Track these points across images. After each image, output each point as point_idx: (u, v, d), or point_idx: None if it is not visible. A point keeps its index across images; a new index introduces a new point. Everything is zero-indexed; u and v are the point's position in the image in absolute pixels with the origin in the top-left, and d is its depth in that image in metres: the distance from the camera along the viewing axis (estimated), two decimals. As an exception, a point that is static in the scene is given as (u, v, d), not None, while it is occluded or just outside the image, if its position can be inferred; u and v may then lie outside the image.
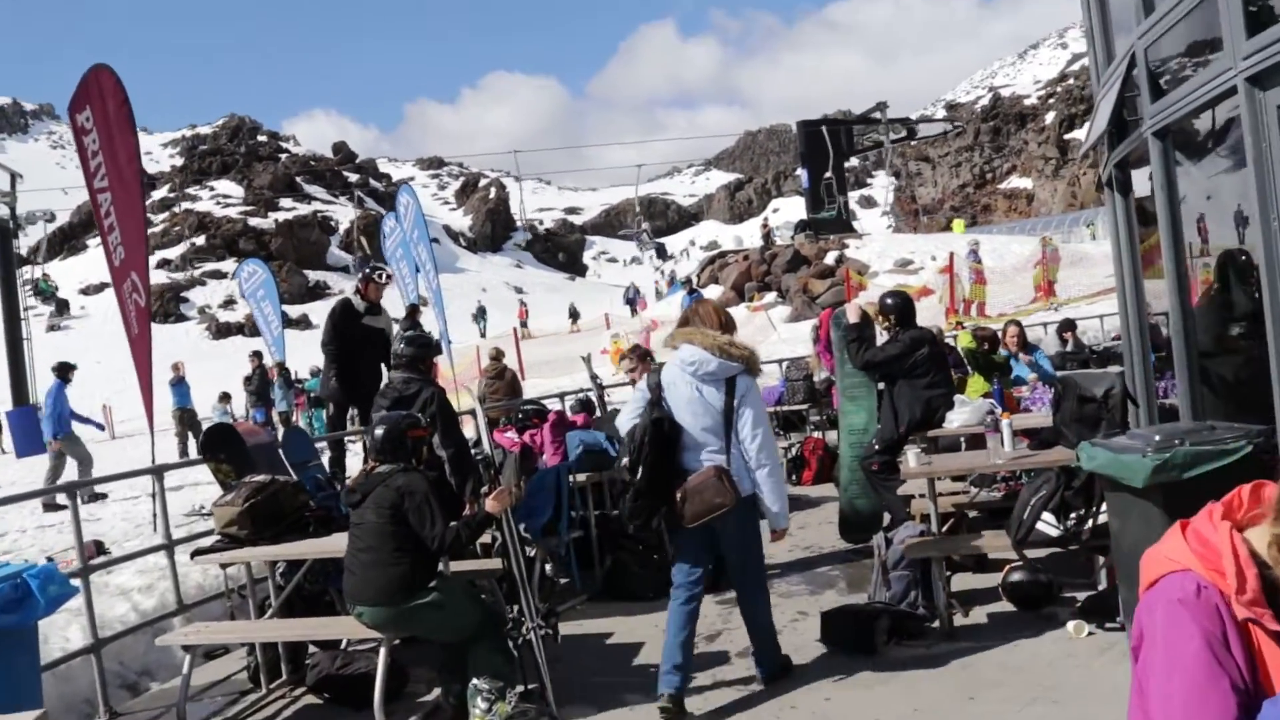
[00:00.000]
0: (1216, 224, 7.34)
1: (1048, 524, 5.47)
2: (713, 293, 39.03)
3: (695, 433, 5.17)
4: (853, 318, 8.41)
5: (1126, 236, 6.90)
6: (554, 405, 12.66)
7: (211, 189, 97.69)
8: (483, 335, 42.69)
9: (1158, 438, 4.59)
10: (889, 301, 8.49)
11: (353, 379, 9.66)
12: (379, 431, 5.21)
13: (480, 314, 52.52)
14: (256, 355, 22.98)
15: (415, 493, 4.97)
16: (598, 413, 11.67)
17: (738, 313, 34.88)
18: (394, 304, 19.79)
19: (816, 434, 13.37)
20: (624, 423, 5.36)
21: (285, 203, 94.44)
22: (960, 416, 8.02)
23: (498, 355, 15.67)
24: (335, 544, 5.68)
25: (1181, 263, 5.73)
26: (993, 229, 65.78)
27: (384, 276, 9.78)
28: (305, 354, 38.83)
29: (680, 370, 5.26)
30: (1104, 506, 5.37)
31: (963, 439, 9.29)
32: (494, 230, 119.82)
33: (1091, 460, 4.79)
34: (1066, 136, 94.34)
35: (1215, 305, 6.74)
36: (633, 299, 46.90)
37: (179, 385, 21.68)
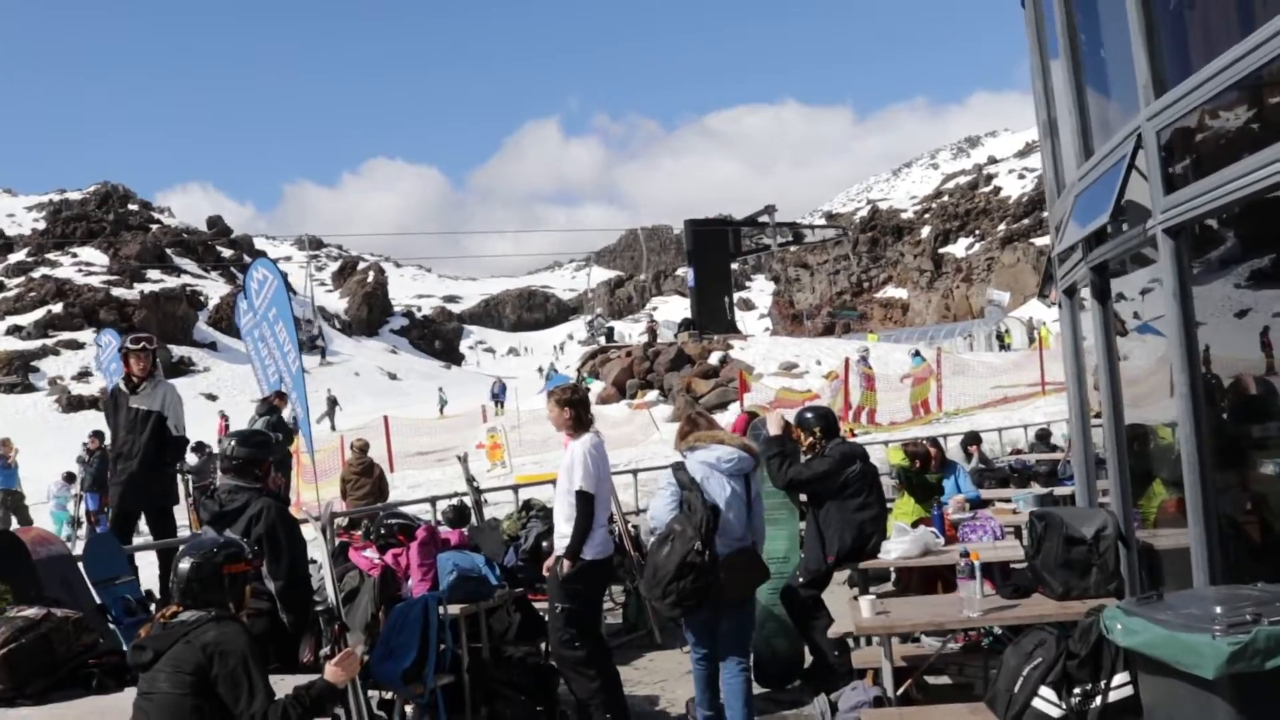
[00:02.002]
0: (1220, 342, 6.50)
1: (1046, 700, 4.35)
2: (594, 388, 37.91)
3: (730, 520, 5.93)
4: (774, 429, 7.31)
5: (1105, 349, 5.96)
6: (423, 511, 11.27)
7: (74, 255, 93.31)
8: (333, 429, 40.02)
9: (1219, 610, 3.53)
10: (809, 416, 7.44)
11: (125, 477, 8.22)
12: (183, 565, 3.84)
13: (331, 406, 48.13)
14: (97, 435, 20.82)
15: (229, 654, 3.61)
16: (473, 520, 10.34)
17: (619, 410, 33.91)
18: (254, 389, 18.11)
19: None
20: (663, 511, 5.99)
21: (153, 274, 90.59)
22: (899, 546, 6.96)
23: (363, 447, 14.19)
24: (126, 705, 4.24)
25: (1197, 383, 4.76)
26: (861, 336, 66.24)
27: (143, 344, 8.51)
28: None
29: (713, 467, 6.00)
30: (1117, 679, 4.31)
31: (893, 571, 8.24)
32: (370, 314, 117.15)
33: (1131, 635, 3.71)
34: (941, 250, 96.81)
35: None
36: (499, 394, 44.92)
37: (6, 465, 19.54)
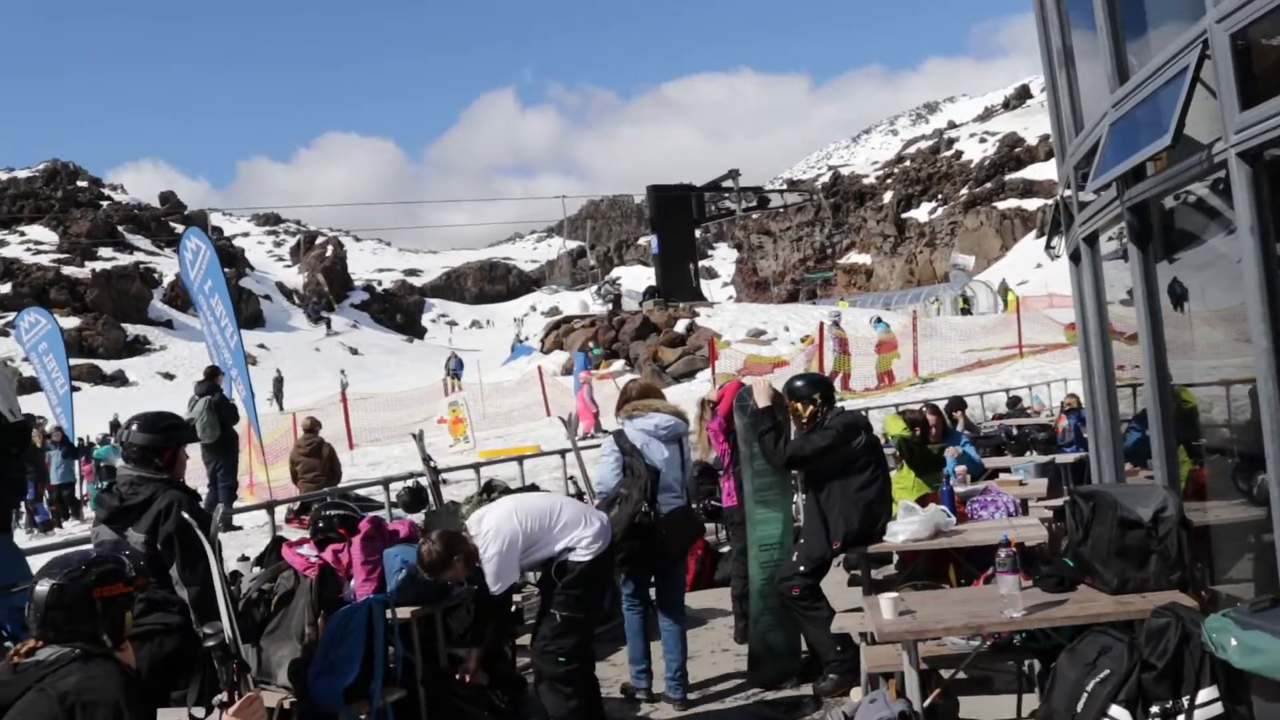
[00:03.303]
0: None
1: (1117, 723, 3.60)
2: (558, 358, 37.08)
3: (669, 482, 6.37)
4: (762, 400, 6.51)
5: (1146, 301, 5.19)
6: (376, 493, 10.44)
7: (22, 234, 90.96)
8: (280, 409, 38.36)
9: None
10: (800, 384, 6.60)
11: None
12: (41, 589, 2.98)
13: (278, 386, 45.80)
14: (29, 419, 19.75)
15: (96, 705, 2.76)
16: (431, 504, 9.51)
17: (583, 380, 33.02)
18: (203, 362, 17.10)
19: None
20: (609, 476, 6.39)
21: (105, 252, 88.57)
22: (907, 528, 6.21)
23: (312, 426, 13.30)
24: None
25: (1280, 332, 3.99)
26: (829, 302, 65.64)
27: None
28: (126, 413, 34.92)
29: (650, 434, 6.42)
30: (1203, 695, 3.57)
31: (895, 555, 7.48)
32: (330, 289, 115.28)
33: (1253, 654, 2.95)
34: (904, 215, 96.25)
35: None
36: (455, 369, 43.39)
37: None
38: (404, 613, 5.47)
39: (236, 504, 13.57)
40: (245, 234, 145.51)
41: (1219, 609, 4.70)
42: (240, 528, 12.44)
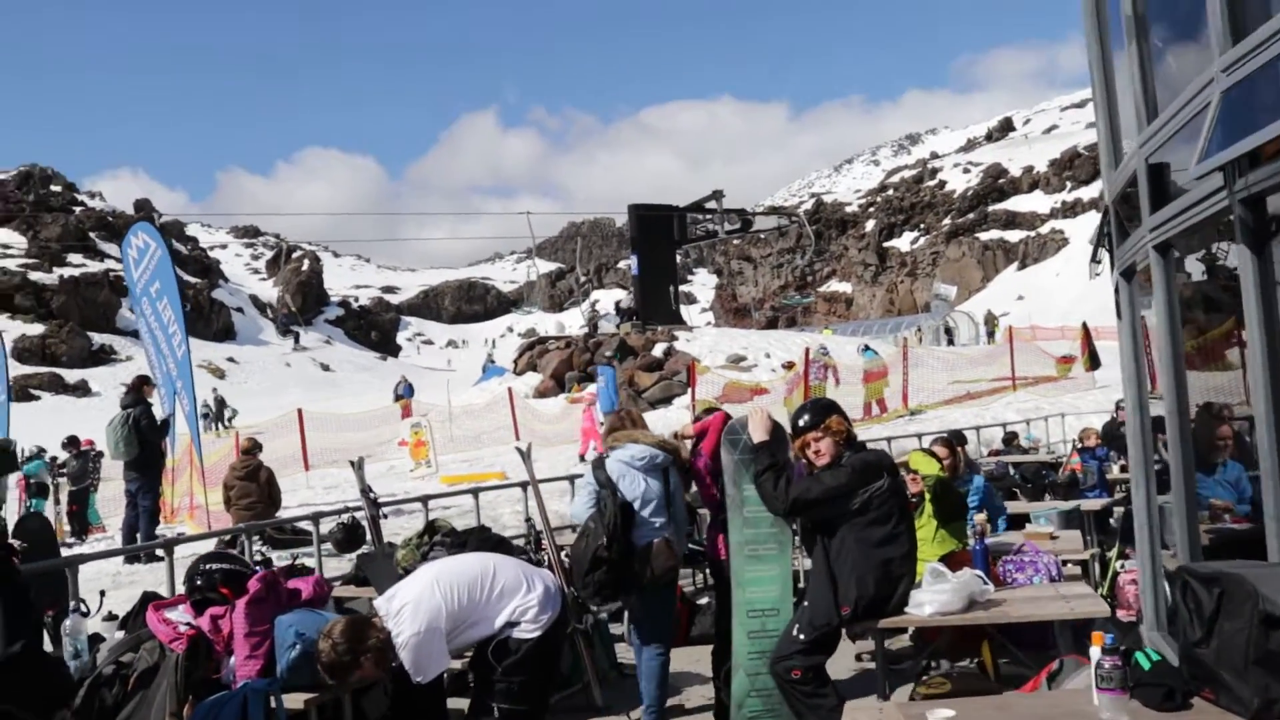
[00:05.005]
0: None
1: None
2: (531, 380, 35.84)
3: (645, 514, 6.07)
4: (759, 434, 5.36)
5: (1262, 316, 4.02)
6: (307, 527, 9.17)
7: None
8: (220, 434, 35.95)
9: None
10: (805, 419, 5.43)
11: None
12: None
13: (220, 406, 43.65)
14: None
15: None
16: (369, 543, 8.27)
17: (556, 405, 31.83)
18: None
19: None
20: (582, 509, 6.21)
21: (75, 259, 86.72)
22: (936, 598, 5.00)
23: (251, 447, 12.01)
24: None
25: None
26: (812, 329, 64.82)
27: None
28: (82, 425, 33.65)
29: (628, 465, 6.14)
30: None
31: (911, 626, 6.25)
32: (305, 303, 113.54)
33: None
34: (885, 244, 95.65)
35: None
36: (405, 393, 41.14)
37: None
38: (296, 700, 4.22)
39: (161, 529, 12.28)
40: (223, 245, 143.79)
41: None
42: (162, 559, 11.11)
